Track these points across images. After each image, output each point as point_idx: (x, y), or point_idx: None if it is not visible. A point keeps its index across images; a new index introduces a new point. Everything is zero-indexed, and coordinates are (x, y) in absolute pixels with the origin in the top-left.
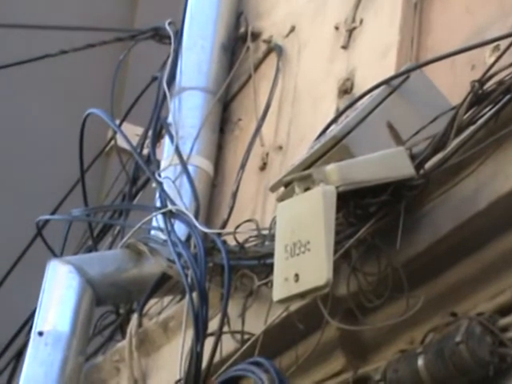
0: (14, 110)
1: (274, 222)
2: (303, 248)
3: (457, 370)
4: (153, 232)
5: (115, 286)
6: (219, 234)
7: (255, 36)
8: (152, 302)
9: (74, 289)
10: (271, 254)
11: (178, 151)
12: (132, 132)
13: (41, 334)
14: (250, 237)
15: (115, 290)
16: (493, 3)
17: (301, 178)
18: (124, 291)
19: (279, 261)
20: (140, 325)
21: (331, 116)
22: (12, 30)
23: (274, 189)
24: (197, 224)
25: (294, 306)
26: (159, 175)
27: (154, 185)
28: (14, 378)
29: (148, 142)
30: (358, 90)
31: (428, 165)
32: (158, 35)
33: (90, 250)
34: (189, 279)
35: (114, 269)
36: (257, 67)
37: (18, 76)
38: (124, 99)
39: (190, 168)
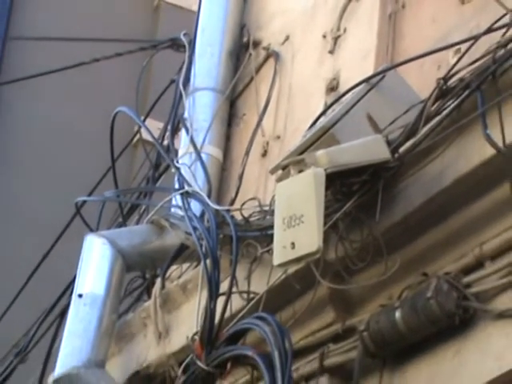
0: (57, 109)
1: (273, 199)
2: (298, 220)
3: (428, 320)
4: (172, 210)
5: (142, 255)
6: (228, 211)
7: (256, 44)
8: (173, 267)
9: (107, 258)
10: (271, 226)
11: (192, 141)
12: (154, 126)
13: (80, 296)
14: (254, 212)
15: (142, 259)
16: (454, 13)
17: (295, 162)
18: (149, 259)
19: (278, 232)
20: (163, 287)
21: (320, 110)
22: (51, 42)
23: (273, 171)
24: (209, 202)
25: (291, 270)
26: (177, 162)
27: (173, 170)
28: (58, 333)
29: (167, 134)
30: (343, 88)
31: (401, 149)
32: (175, 44)
33: (120, 226)
34: (203, 248)
35: (140, 241)
36: (258, 70)
37: (58, 81)
38: (147, 99)
39: (203, 155)
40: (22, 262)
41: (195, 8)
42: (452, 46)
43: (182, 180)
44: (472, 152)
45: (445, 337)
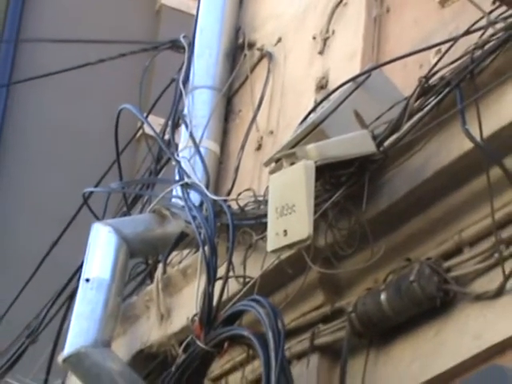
0: (65, 107)
1: (267, 190)
2: (290, 210)
3: (411, 302)
4: (173, 200)
5: (144, 242)
6: (225, 201)
7: (250, 45)
8: (174, 254)
9: (113, 245)
10: (265, 215)
11: (192, 136)
12: (156, 122)
13: (87, 280)
14: (249, 202)
15: (144, 246)
16: (435, 17)
17: (288, 155)
18: (151, 246)
19: (271, 220)
20: (165, 272)
21: (310, 107)
22: (60, 43)
23: (267, 164)
24: (207, 193)
25: (284, 255)
26: (177, 155)
27: (173, 163)
28: (67, 315)
29: (168, 129)
30: (331, 86)
31: (386, 143)
32: (175, 46)
33: (124, 215)
34: (202, 236)
35: (143, 229)
36: (252, 69)
37: (66, 81)
38: (150, 97)
39: (202, 149)
40: (34, 249)
41: (194, 12)
42: (433, 46)
43: (182, 172)
44: (452, 145)
45: (426, 318)
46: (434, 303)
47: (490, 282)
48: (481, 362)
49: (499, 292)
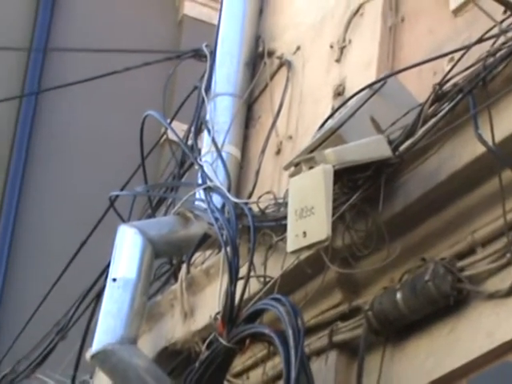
0: (92, 114)
1: (287, 193)
2: (309, 212)
3: (426, 301)
4: (196, 203)
5: (169, 244)
6: (246, 203)
7: (270, 54)
8: (197, 254)
9: (138, 246)
10: (285, 217)
11: (214, 141)
12: (179, 128)
13: (114, 280)
14: (269, 205)
15: (169, 247)
16: (448, 26)
17: (307, 160)
18: (175, 247)
19: (291, 222)
20: (188, 272)
21: (328, 113)
22: (87, 52)
23: (286, 168)
24: (229, 196)
25: (303, 256)
26: (200, 160)
27: (196, 167)
28: (95, 313)
29: (191, 135)
30: (348, 93)
31: (401, 148)
32: (198, 55)
33: (149, 217)
34: (224, 237)
35: (167, 230)
36: (272, 77)
37: (93, 89)
38: (173, 104)
39: (223, 154)
40: (63, 249)
41: (215, 22)
42: (446, 54)
43: (205, 176)
44: (465, 150)
45: (441, 316)
46: (448, 301)
47: (502, 281)
48: (493, 359)
49: (511, 291)
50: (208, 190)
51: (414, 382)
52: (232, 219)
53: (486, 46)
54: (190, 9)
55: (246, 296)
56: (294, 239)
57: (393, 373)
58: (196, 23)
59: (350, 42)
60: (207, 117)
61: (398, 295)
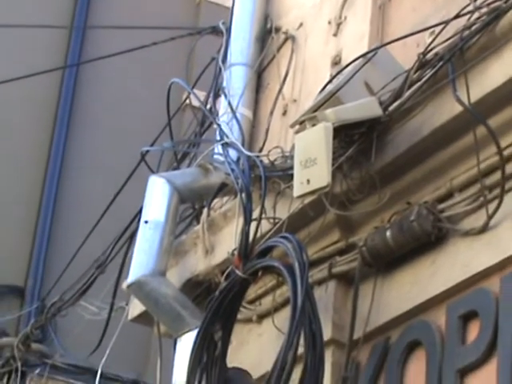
0: (125, 83)
1: (292, 147)
2: (312, 163)
3: (411, 237)
4: (215, 156)
5: (192, 191)
6: (258, 156)
7: (277, 30)
8: (216, 200)
9: (166, 193)
10: (291, 168)
11: (229, 105)
12: (199, 94)
13: (146, 222)
14: (278, 157)
15: (192, 194)
16: (429, 4)
17: (310, 119)
18: (198, 194)
19: (297, 171)
20: (209, 215)
21: (327, 79)
22: (116, 30)
23: (292, 126)
24: (243, 150)
25: (307, 200)
26: (218, 120)
27: (215, 126)
28: (129, 250)
29: (210, 99)
30: (344, 62)
31: (391, 108)
32: (215, 31)
33: (175, 169)
34: (239, 185)
35: (191, 180)
36: (278, 50)
37: (124, 61)
38: (192, 74)
39: (238, 115)
40: (103, 198)
41: (228, 4)
42: (428, 28)
43: (222, 134)
44: (445, 109)
45: (424, 250)
46: (429, 238)
47: (476, 220)
48: (468, 286)
49: (484, 229)
50: (225, 145)
51: (401, 307)
52: (246, 170)
53: (462, 21)
54: None
55: (258, 235)
56: (299, 186)
57: (383, 298)
58: (212, 5)
59: (345, 18)
60: (224, 84)
61: (388, 233)
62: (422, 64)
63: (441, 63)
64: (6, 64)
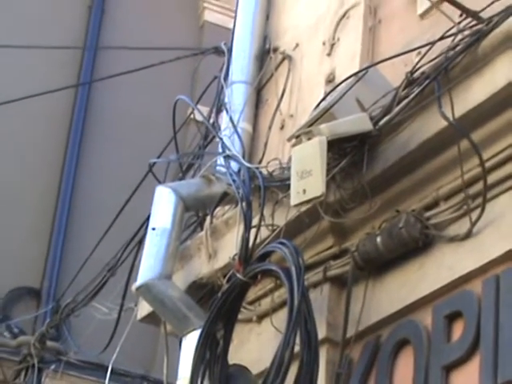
0: (134, 100)
1: (290, 159)
2: (307, 174)
3: (400, 243)
4: (218, 168)
5: (196, 200)
6: (257, 168)
7: (275, 50)
8: (218, 208)
9: (172, 202)
10: (289, 178)
11: (231, 119)
12: (202, 110)
13: (153, 229)
14: (276, 169)
15: (196, 202)
16: (416, 26)
17: (305, 133)
18: (202, 203)
19: (293, 182)
20: (211, 222)
21: (321, 96)
22: (125, 50)
23: (289, 139)
24: (244, 162)
25: (303, 208)
26: (220, 134)
27: (217, 140)
28: (138, 255)
29: (213, 114)
30: (338, 80)
31: (381, 123)
32: (218, 51)
33: (180, 179)
34: (240, 195)
35: (195, 190)
36: (276, 68)
37: (133, 79)
38: (195, 91)
39: (239, 129)
40: (112, 205)
41: (230, 26)
42: (415, 49)
43: (224, 146)
44: (431, 124)
45: (411, 255)
46: (417, 244)
47: (460, 227)
48: (453, 288)
49: (467, 235)
50: (227, 157)
51: (391, 307)
52: (246, 180)
53: (446, 42)
54: (209, 16)
55: (257, 241)
56: (296, 195)
57: (374, 300)
58: (214, 27)
59: (338, 39)
60: (225, 100)
61: (378, 239)
62: (410, 82)
63: (427, 81)
64: (25, 81)
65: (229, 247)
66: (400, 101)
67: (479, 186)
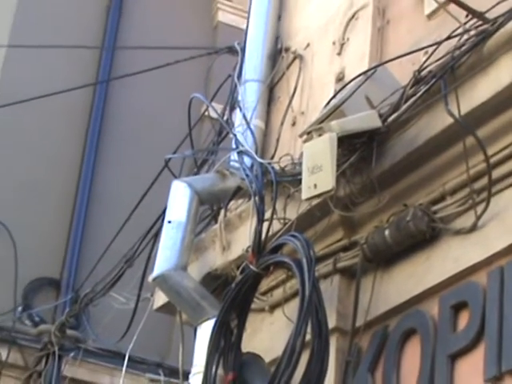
0: (150, 97)
1: (301, 155)
2: (318, 169)
3: (407, 236)
4: (231, 163)
5: (211, 194)
6: (269, 163)
7: (287, 49)
8: (232, 202)
9: (187, 196)
10: (300, 173)
11: (244, 116)
12: (216, 107)
13: (169, 222)
14: (288, 164)
15: (211, 196)
16: (423, 27)
17: (316, 129)
18: (216, 197)
19: (305, 177)
20: (225, 215)
21: (332, 94)
22: (142, 49)
23: (301, 136)
24: (256, 157)
25: (314, 202)
26: (234, 130)
27: (231, 136)
28: (154, 247)
29: (227, 112)
30: (347, 79)
31: (389, 120)
32: (231, 50)
33: (195, 174)
34: (253, 189)
35: (209, 184)
36: (288, 67)
37: (149, 78)
38: (209, 89)
39: (252, 126)
40: (131, 200)
41: (243, 26)
42: (422, 49)
43: (238, 142)
44: (437, 121)
45: (419, 247)
46: (424, 236)
47: (466, 221)
48: (459, 279)
49: (473, 228)
50: (240, 153)
51: (399, 298)
52: (259, 175)
53: (453, 42)
54: (223, 17)
55: (270, 233)
56: (307, 190)
57: (382, 291)
58: (228, 27)
59: (348, 39)
60: (239, 98)
61: (386, 232)
62: (417, 80)
63: (434, 80)
64: (46, 79)
65: (242, 240)
66: (408, 99)
67: (484, 180)
